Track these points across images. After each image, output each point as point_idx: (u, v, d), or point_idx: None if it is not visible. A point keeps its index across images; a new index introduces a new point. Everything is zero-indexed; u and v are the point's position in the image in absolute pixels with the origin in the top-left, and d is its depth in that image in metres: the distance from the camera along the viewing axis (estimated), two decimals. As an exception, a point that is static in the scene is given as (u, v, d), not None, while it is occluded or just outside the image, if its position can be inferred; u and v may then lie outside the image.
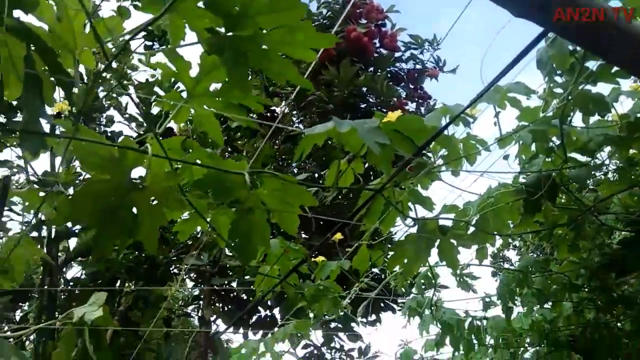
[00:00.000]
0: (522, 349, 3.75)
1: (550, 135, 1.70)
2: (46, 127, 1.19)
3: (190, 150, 1.48)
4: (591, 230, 2.27)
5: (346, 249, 2.21)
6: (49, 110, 1.26)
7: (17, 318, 7.61)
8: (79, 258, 7.36)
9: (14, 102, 1.13)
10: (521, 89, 1.66)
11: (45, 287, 5.88)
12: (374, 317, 8.91)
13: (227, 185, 1.47)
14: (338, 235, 2.20)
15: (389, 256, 2.06)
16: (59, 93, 1.29)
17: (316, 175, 6.85)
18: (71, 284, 7.50)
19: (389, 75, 7.27)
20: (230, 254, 6.49)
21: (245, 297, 8.60)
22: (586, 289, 2.71)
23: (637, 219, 2.09)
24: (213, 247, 6.50)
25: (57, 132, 1.27)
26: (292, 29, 1.08)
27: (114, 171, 1.25)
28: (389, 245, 1.91)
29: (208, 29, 1.06)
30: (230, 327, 7.25)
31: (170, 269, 7.49)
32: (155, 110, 7.18)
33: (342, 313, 2.46)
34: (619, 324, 2.90)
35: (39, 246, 1.93)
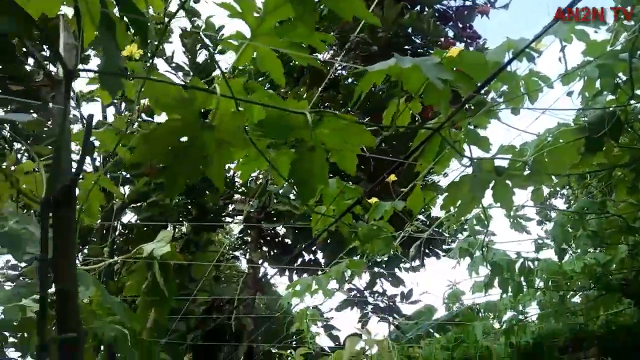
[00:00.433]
0: (571, 292, 3.75)
1: (617, 71, 1.64)
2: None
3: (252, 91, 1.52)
4: (653, 172, 2.20)
5: (401, 189, 2.23)
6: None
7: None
8: (133, 204, 7.70)
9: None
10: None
11: (113, 224, 6.20)
12: (417, 262, 9.04)
13: (288, 125, 1.50)
14: (392, 177, 2.21)
15: (442, 198, 2.08)
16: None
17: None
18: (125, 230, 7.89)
19: (435, 14, 6.99)
20: (278, 201, 6.63)
21: (289, 243, 8.85)
22: (643, 232, 2.67)
23: None
24: (262, 194, 6.65)
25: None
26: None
27: (185, 111, 1.30)
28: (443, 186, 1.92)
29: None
30: (277, 269, 7.50)
31: (220, 214, 7.75)
32: (200, 58, 7.24)
33: (393, 253, 2.51)
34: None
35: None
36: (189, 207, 7.53)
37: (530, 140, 2.00)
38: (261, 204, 6.90)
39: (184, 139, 1.31)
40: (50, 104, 1.14)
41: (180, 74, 6.96)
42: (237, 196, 8.05)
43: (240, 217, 7.89)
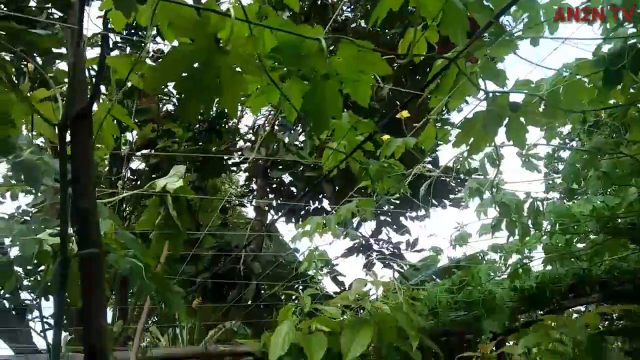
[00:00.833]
0: (577, 237, 3.78)
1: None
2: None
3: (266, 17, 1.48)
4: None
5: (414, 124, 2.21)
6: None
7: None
8: (141, 151, 7.72)
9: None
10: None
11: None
12: (422, 212, 9.12)
13: (302, 52, 1.48)
14: (405, 113, 2.19)
15: (455, 135, 2.06)
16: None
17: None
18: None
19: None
20: (287, 149, 6.63)
21: (295, 192, 8.92)
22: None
23: None
24: (269, 141, 6.65)
25: None
26: None
27: (198, 34, 1.28)
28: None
29: None
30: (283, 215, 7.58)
31: (224, 161, 7.76)
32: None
33: (402, 193, 2.52)
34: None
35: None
36: (196, 152, 7.55)
37: (548, 76, 1.96)
38: (268, 152, 6.91)
39: (197, 65, 1.30)
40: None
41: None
42: (241, 143, 8.06)
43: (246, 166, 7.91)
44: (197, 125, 6.76)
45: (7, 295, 5.72)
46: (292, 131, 6.92)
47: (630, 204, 2.98)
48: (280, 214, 7.98)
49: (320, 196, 8.20)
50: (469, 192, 2.50)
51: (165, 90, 7.22)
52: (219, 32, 1.34)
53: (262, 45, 1.51)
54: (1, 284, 2.31)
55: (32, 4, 5.01)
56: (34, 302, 6.52)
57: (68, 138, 1.22)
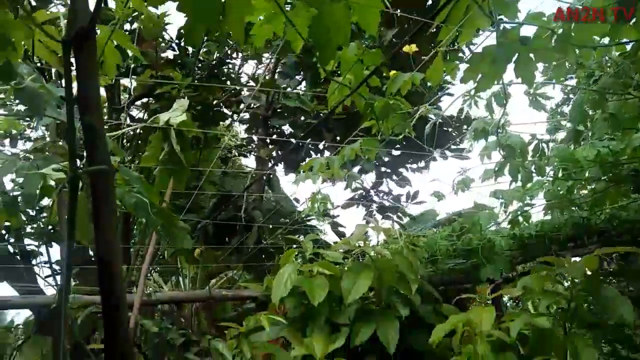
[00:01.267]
0: (579, 184, 3.78)
1: None
2: None
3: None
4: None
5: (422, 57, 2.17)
6: None
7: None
8: (140, 100, 7.65)
9: None
10: None
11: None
12: (423, 163, 9.12)
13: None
14: (413, 47, 2.14)
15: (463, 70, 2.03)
16: None
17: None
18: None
19: None
20: (288, 96, 6.55)
21: (296, 142, 8.89)
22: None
23: None
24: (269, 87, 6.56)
25: None
26: None
27: (203, -50, 1.23)
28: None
29: None
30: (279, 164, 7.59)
31: (223, 110, 7.68)
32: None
33: (406, 134, 2.50)
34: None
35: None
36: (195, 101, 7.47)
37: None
38: (269, 99, 6.83)
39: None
40: None
41: None
42: (244, 93, 7.96)
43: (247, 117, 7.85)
44: (198, 72, 6.66)
45: (11, 240, 5.81)
46: (292, 79, 6.82)
47: (635, 149, 2.97)
48: (280, 163, 7.97)
49: (321, 147, 8.17)
50: (474, 134, 2.48)
51: (166, 36, 7.08)
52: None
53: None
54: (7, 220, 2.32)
55: None
56: (38, 248, 6.63)
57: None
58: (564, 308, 2.95)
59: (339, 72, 2.02)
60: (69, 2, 1.22)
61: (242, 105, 7.18)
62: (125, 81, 7.14)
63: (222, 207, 6.84)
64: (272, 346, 3.27)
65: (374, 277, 3.65)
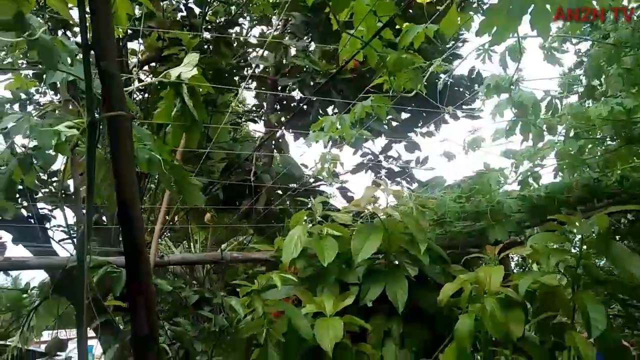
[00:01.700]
0: (590, 145, 3.74)
1: None
2: None
3: None
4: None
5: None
6: None
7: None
8: (148, 65, 7.60)
9: None
10: None
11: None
12: (433, 127, 9.06)
13: None
14: (426, -2, 2.10)
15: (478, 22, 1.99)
16: None
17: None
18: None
19: None
20: (295, 55, 6.47)
21: (305, 108, 8.83)
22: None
23: None
24: (278, 49, 6.48)
25: None
26: None
27: None
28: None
29: None
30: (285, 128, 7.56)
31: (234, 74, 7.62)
32: None
33: (418, 90, 2.47)
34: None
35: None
36: (203, 68, 7.41)
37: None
38: (277, 59, 6.74)
39: None
40: None
41: None
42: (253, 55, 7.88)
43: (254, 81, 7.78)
44: (207, 35, 6.58)
45: (24, 204, 5.89)
46: (301, 39, 6.72)
47: (649, 108, 2.93)
48: (287, 131, 7.94)
49: (330, 111, 8.12)
50: (486, 90, 2.46)
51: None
52: None
53: None
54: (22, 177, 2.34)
55: None
56: (51, 212, 6.73)
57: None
58: (573, 266, 2.97)
59: (350, 26, 1.98)
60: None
61: (251, 68, 7.10)
62: (133, 45, 7.09)
63: (231, 170, 6.86)
64: (285, 304, 3.33)
65: (383, 238, 3.68)
